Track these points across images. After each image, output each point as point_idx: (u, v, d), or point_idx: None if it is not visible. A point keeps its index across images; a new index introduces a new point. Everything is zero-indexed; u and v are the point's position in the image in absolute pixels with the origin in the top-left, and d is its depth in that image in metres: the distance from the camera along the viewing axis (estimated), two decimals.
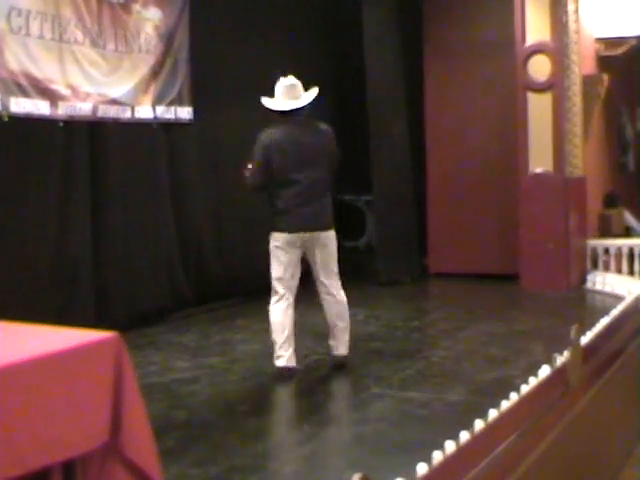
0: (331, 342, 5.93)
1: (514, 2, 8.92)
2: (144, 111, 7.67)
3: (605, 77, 9.59)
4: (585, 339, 4.03)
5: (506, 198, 9.35)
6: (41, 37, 6.66)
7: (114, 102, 7.33)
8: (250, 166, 5.76)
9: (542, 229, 8.81)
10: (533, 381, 3.51)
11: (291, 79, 5.76)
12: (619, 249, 8.99)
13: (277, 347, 5.71)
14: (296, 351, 5.77)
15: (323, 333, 6.10)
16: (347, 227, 9.72)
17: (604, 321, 4.67)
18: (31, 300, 6.47)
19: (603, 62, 9.84)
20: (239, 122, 8.64)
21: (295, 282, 5.78)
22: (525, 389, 3.40)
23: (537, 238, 8.82)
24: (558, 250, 8.79)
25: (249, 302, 8.36)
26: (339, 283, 5.88)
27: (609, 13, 9.57)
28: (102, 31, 7.22)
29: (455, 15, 9.79)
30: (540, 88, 8.88)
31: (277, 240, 5.71)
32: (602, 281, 8.79)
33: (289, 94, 5.72)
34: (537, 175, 8.93)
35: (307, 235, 5.70)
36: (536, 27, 8.85)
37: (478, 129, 9.72)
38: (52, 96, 6.75)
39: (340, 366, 5.90)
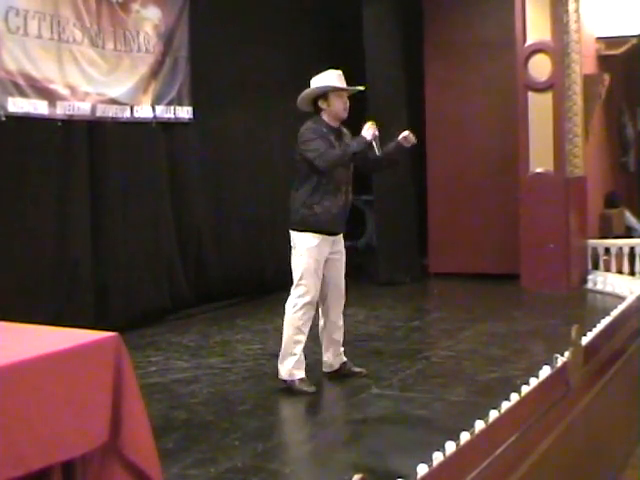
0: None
1: (514, 1, 8.91)
2: (143, 111, 7.66)
3: (606, 76, 9.57)
4: (586, 339, 4.01)
5: (506, 198, 9.33)
6: (39, 37, 6.65)
7: (113, 102, 7.32)
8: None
9: (543, 229, 8.80)
10: (534, 381, 3.50)
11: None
12: (620, 249, 8.97)
13: None
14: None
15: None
16: (347, 227, 9.70)
17: (605, 321, 4.65)
18: (31, 300, 6.47)
19: (604, 61, 9.83)
20: (239, 122, 8.64)
21: None
22: (526, 389, 3.38)
23: (538, 238, 8.81)
24: (559, 250, 8.78)
25: (249, 302, 8.34)
26: None
27: (610, 12, 9.56)
28: (101, 30, 7.21)
29: (455, 15, 9.79)
30: (541, 88, 8.87)
31: None
32: (603, 281, 8.78)
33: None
34: (538, 175, 8.92)
35: None
36: (537, 26, 8.84)
37: (478, 129, 9.71)
38: (50, 96, 6.73)
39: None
